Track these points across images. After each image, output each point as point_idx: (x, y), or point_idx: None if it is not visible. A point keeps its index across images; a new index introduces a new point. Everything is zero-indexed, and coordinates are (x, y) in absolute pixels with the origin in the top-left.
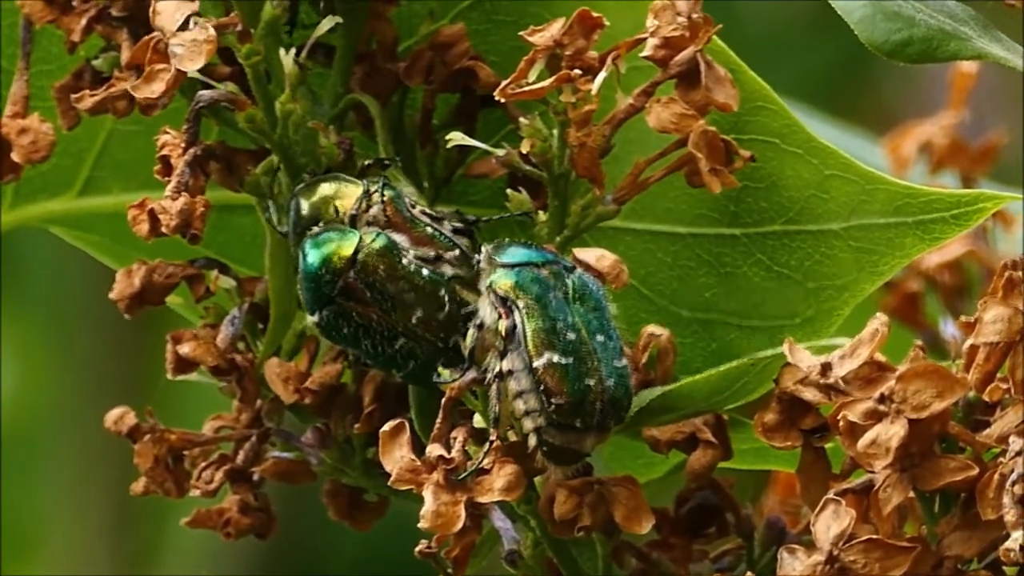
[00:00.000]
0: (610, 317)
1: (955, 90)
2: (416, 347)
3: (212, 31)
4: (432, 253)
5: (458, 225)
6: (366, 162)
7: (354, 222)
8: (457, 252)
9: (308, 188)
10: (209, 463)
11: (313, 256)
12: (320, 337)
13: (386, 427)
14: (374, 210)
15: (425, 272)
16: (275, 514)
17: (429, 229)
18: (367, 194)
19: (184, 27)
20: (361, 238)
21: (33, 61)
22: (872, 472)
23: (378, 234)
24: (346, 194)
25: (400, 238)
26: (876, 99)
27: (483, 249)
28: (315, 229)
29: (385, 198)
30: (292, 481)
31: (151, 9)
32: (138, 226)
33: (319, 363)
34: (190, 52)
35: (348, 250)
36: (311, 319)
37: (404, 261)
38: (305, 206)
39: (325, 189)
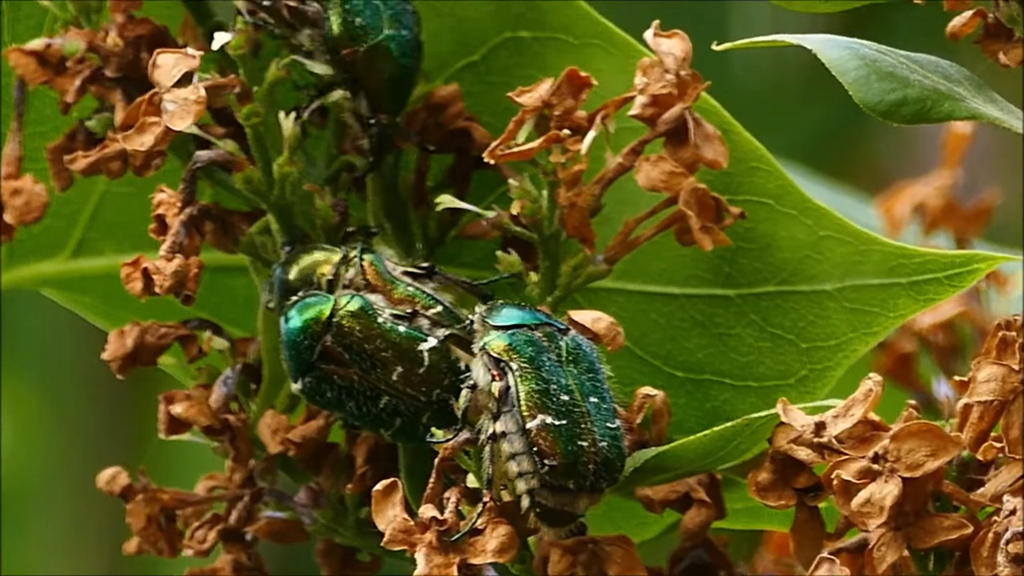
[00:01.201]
0: (603, 379)
1: (949, 151)
2: (400, 404)
3: (203, 91)
4: (409, 310)
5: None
6: (349, 229)
7: (332, 287)
8: (439, 308)
9: (288, 260)
10: (202, 523)
11: (291, 323)
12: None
13: (379, 486)
14: (351, 274)
15: (402, 329)
16: (268, 574)
17: (411, 288)
18: (345, 260)
19: (180, 83)
20: (336, 301)
21: (26, 122)
22: (866, 531)
23: (352, 296)
24: (326, 262)
25: (377, 298)
26: (870, 159)
27: (476, 310)
28: (294, 298)
29: (364, 262)
30: (285, 541)
31: (151, 61)
32: (131, 284)
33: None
34: (180, 110)
35: (324, 314)
36: (295, 386)
37: (380, 320)
38: (286, 278)
39: (305, 259)
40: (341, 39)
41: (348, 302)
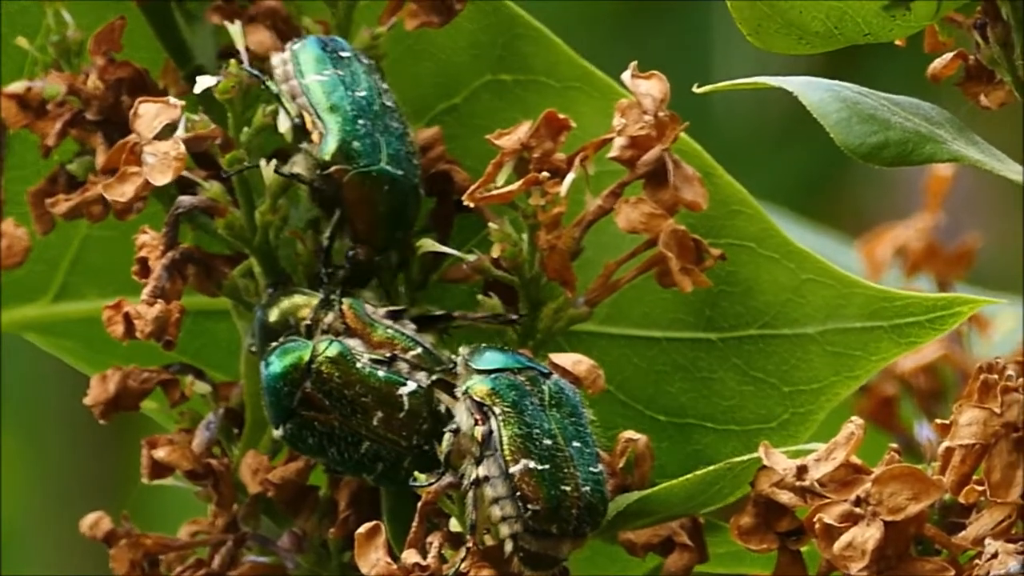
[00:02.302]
0: (586, 423)
1: (930, 193)
2: (381, 449)
3: (183, 148)
4: (388, 354)
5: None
6: (328, 270)
7: (311, 332)
8: (419, 351)
9: (270, 302)
10: (185, 567)
11: (271, 370)
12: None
13: (362, 529)
14: (330, 318)
15: (381, 374)
16: None
17: (390, 331)
18: (324, 303)
19: (161, 135)
20: (314, 347)
21: (7, 166)
22: (848, 575)
23: (331, 342)
24: (305, 305)
25: (356, 343)
26: (852, 202)
27: (460, 353)
28: (273, 344)
29: (343, 306)
30: None
31: (132, 110)
32: (112, 327)
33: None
34: (161, 164)
35: (303, 361)
36: (277, 433)
37: (359, 365)
38: (267, 322)
39: (285, 304)
40: (334, 157)
41: (327, 348)
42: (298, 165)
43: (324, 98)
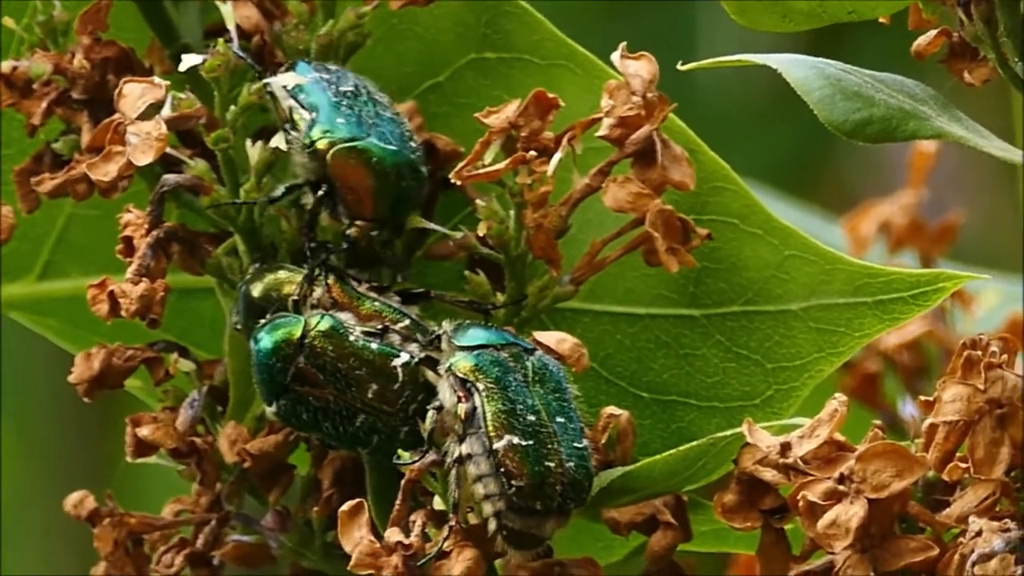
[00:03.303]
0: (571, 398)
1: (914, 170)
2: (377, 421)
3: (164, 128)
4: (379, 326)
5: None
6: (311, 245)
7: (299, 307)
8: (407, 322)
9: (253, 280)
10: (169, 547)
11: (261, 346)
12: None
13: (345, 507)
14: (318, 293)
15: (374, 346)
16: None
17: (377, 304)
18: (310, 278)
19: (144, 115)
20: (306, 322)
21: None
22: (832, 553)
23: (323, 316)
24: (290, 281)
25: (346, 316)
26: (836, 179)
27: (443, 329)
28: (262, 320)
29: (329, 280)
30: (252, 565)
31: (117, 90)
32: (97, 306)
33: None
34: (143, 145)
35: (295, 336)
36: (270, 410)
37: (352, 338)
38: (252, 298)
39: (270, 279)
40: (320, 135)
41: (319, 322)
42: (283, 143)
43: (309, 93)
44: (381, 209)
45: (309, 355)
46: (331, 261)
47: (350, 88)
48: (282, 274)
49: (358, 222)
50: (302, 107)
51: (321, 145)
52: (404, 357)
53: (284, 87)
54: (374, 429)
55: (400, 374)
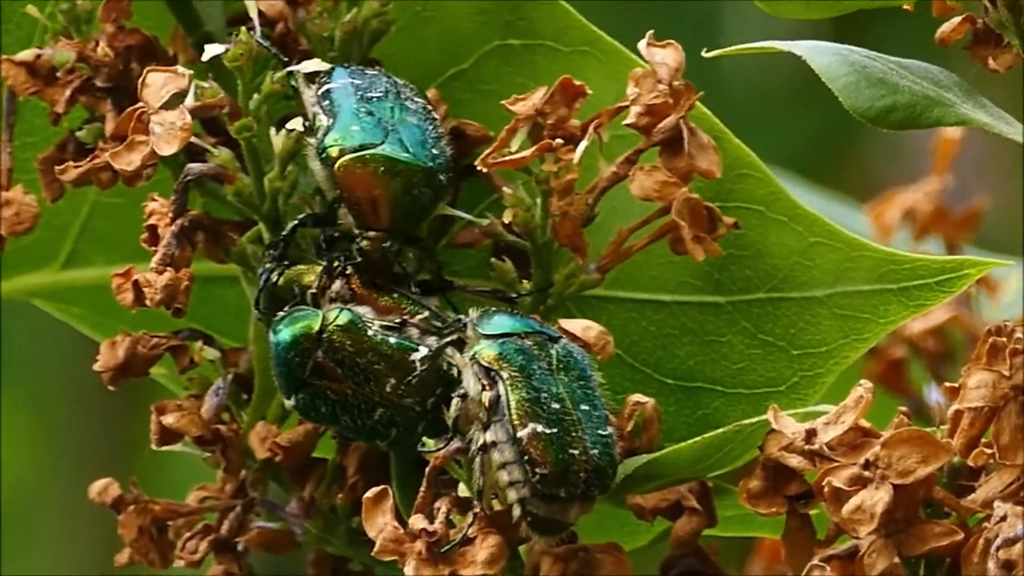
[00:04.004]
0: (595, 386)
1: (939, 156)
2: (395, 415)
3: (189, 118)
4: (398, 320)
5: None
6: (334, 234)
7: (317, 300)
8: (426, 313)
9: (274, 266)
10: (193, 533)
11: (280, 341)
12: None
13: (369, 493)
14: (337, 285)
15: (392, 340)
16: None
17: (395, 295)
18: (328, 270)
19: (168, 105)
20: (324, 316)
21: (16, 133)
22: (857, 538)
23: (341, 310)
24: (310, 272)
25: (365, 310)
26: (860, 166)
27: (468, 318)
28: (281, 313)
29: (348, 272)
30: (276, 551)
31: (140, 80)
32: (122, 295)
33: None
34: (167, 135)
35: (313, 330)
36: (288, 403)
37: (370, 332)
38: (273, 283)
39: (289, 271)
40: (332, 142)
41: (337, 316)
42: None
43: (334, 99)
44: (390, 220)
45: (327, 349)
46: (351, 253)
47: (378, 93)
48: (302, 266)
49: (369, 233)
50: (324, 113)
51: (332, 153)
52: (423, 351)
53: (313, 93)
54: (392, 422)
55: (419, 368)
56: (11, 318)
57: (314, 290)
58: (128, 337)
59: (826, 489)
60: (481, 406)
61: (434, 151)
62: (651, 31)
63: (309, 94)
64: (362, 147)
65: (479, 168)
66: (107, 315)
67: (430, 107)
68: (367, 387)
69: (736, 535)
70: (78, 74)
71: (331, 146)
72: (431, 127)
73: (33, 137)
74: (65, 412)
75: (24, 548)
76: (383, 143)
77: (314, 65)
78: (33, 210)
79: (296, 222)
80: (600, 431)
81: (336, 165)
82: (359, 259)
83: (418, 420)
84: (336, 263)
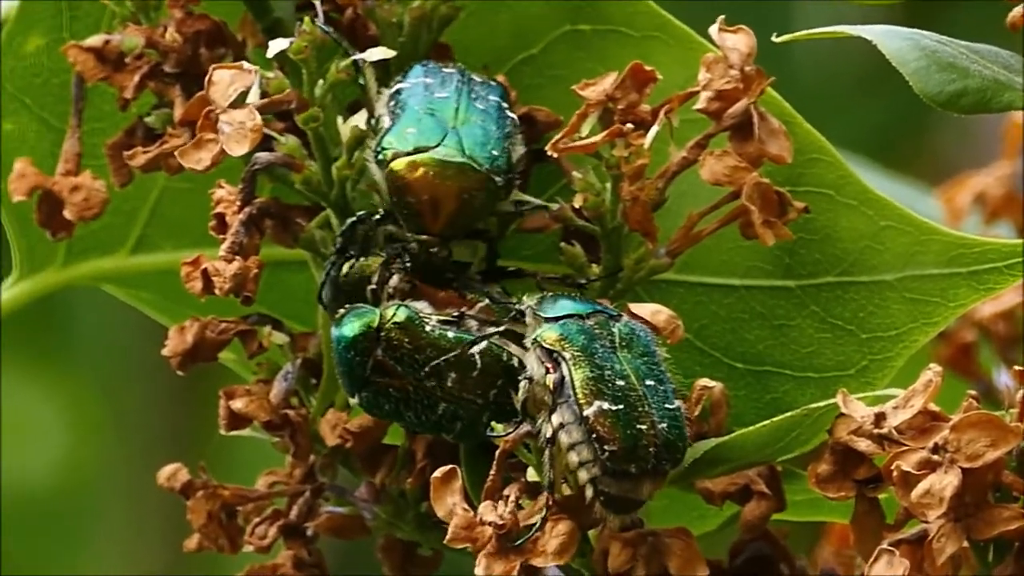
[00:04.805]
0: (660, 361)
1: (1009, 141)
2: (458, 409)
3: (259, 119)
4: (456, 313)
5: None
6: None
7: (377, 296)
8: (487, 303)
9: (340, 259)
10: (263, 518)
11: (340, 340)
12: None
13: (438, 472)
14: (395, 280)
15: (451, 334)
16: (329, 570)
17: (455, 286)
18: (387, 265)
19: (236, 103)
20: (382, 314)
21: (85, 118)
22: (926, 522)
23: (398, 307)
24: (371, 266)
25: (423, 305)
26: (931, 150)
27: (527, 303)
28: (340, 311)
29: (406, 267)
30: (346, 536)
31: (207, 77)
32: (191, 283)
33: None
34: (237, 135)
35: (371, 328)
36: (353, 401)
37: (428, 328)
38: (338, 275)
39: (351, 267)
40: (387, 143)
41: (394, 313)
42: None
43: (401, 100)
44: (439, 224)
45: (386, 347)
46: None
47: (446, 92)
48: (370, 259)
49: (420, 237)
50: (388, 114)
51: (386, 156)
52: (482, 344)
53: (385, 95)
54: (456, 416)
55: (479, 361)
56: (80, 304)
57: (373, 286)
58: (197, 322)
59: (895, 473)
60: (546, 389)
61: (494, 152)
62: (722, 16)
63: (375, 91)
64: (416, 150)
65: (549, 153)
66: (176, 300)
67: (505, 104)
68: (428, 382)
69: (805, 519)
70: (146, 60)
71: (386, 149)
72: (497, 126)
73: (101, 123)
74: (134, 398)
75: (92, 534)
76: (438, 145)
77: (379, 54)
78: (102, 195)
79: (353, 220)
80: (667, 405)
81: (387, 168)
82: (410, 263)
83: (482, 412)
84: (394, 260)
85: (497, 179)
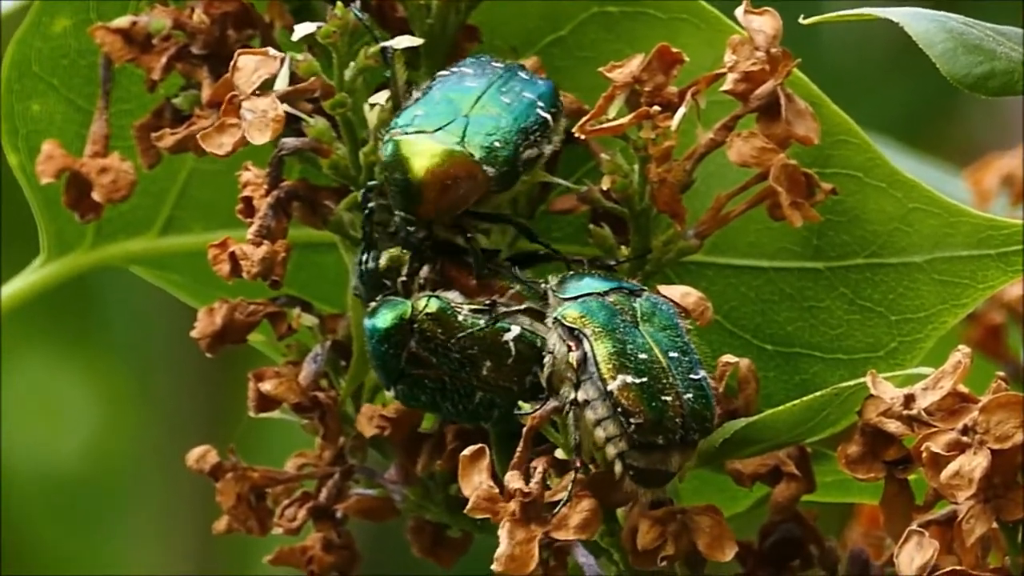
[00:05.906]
0: (683, 333)
1: None
2: (495, 396)
3: (281, 109)
4: (487, 301)
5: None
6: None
7: (408, 287)
8: (518, 287)
9: (369, 251)
10: (292, 501)
11: (373, 333)
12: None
13: (467, 451)
14: (425, 271)
15: (483, 323)
16: (358, 551)
17: (486, 271)
18: (416, 257)
19: (260, 90)
20: (413, 306)
21: (113, 100)
22: (955, 503)
23: (429, 298)
24: (401, 257)
25: (454, 294)
26: (959, 132)
27: (548, 284)
28: (372, 304)
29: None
30: (375, 518)
31: (232, 63)
32: (219, 266)
33: None
34: (259, 123)
35: (404, 320)
36: (389, 394)
37: (460, 318)
38: (370, 266)
39: (381, 257)
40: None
41: (426, 304)
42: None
43: (434, 84)
44: (421, 206)
45: (419, 339)
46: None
47: (474, 83)
48: (394, 250)
49: (401, 214)
50: (415, 98)
51: (388, 134)
52: (515, 330)
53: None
54: (493, 404)
55: (512, 348)
56: (109, 285)
57: (404, 278)
58: (226, 304)
59: (924, 454)
60: (570, 366)
61: (496, 143)
62: None
63: (403, 79)
64: (416, 132)
65: (577, 135)
66: (205, 282)
67: (541, 103)
68: (463, 372)
69: (835, 500)
70: (174, 41)
71: (392, 128)
72: (515, 121)
73: (129, 104)
74: (163, 379)
75: (124, 517)
76: (438, 130)
77: (406, 41)
78: (130, 177)
79: (367, 210)
80: (692, 375)
81: (382, 144)
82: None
83: (518, 399)
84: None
85: (488, 170)
